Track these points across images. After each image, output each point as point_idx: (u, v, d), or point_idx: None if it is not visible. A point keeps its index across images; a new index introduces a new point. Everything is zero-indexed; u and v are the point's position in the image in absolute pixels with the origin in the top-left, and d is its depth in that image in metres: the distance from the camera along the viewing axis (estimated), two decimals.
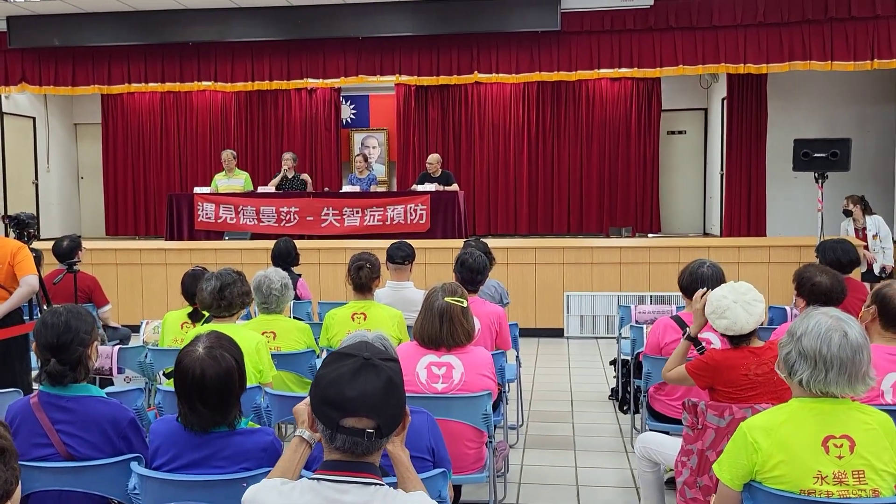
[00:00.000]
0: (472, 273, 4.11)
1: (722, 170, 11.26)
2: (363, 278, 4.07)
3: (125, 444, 2.41)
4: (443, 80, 9.17)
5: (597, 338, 7.92)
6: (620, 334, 5.74)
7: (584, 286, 7.97)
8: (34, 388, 3.79)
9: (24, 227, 4.65)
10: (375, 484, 1.63)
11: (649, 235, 11.27)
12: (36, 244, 5.07)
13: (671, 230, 12.20)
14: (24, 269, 4.16)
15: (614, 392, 5.74)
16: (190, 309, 4.34)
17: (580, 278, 7.99)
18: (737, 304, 2.95)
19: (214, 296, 3.44)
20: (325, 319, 4.22)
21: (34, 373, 3.93)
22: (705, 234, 11.98)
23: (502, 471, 3.84)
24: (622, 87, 12.04)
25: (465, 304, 3.17)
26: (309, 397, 1.69)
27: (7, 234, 5.27)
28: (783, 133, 10.11)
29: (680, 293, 3.95)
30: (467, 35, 8.86)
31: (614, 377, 5.86)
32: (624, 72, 8.91)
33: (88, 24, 8.99)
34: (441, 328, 3.10)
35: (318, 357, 4.12)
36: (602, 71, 8.87)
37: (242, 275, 3.65)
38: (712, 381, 2.96)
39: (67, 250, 5.66)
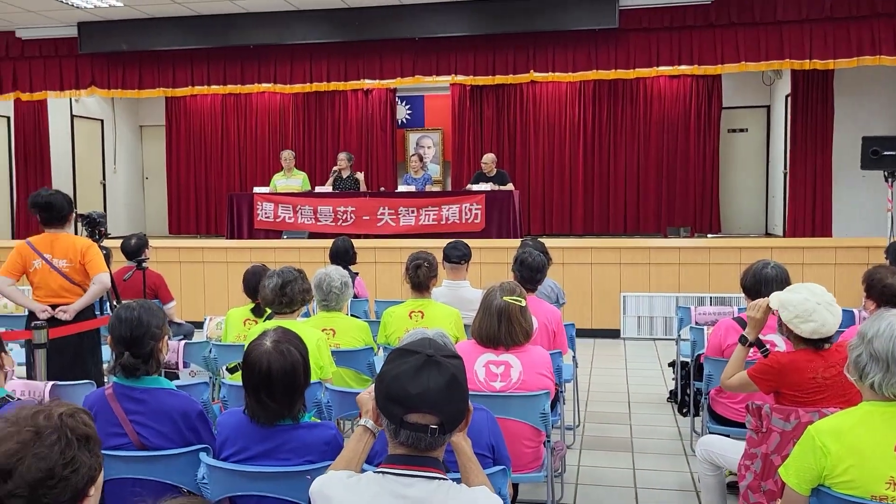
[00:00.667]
0: (531, 272, 4.10)
1: (785, 168, 10.96)
2: (421, 277, 4.11)
3: (194, 436, 2.49)
4: (499, 79, 9.16)
5: (654, 339, 7.80)
6: (679, 336, 5.64)
7: (641, 287, 7.87)
8: (105, 380, 3.94)
9: (96, 226, 4.82)
10: (439, 478, 1.65)
11: (709, 236, 11.06)
12: (105, 242, 5.25)
13: (732, 230, 11.94)
14: (96, 268, 4.32)
15: (673, 394, 5.66)
16: (252, 305, 4.44)
17: (637, 279, 7.89)
18: (820, 306, 2.87)
19: (276, 293, 3.51)
20: (383, 317, 4.27)
21: (105, 365, 4.09)
22: (767, 235, 11.69)
23: (559, 471, 3.83)
24: (682, 84, 11.85)
25: (523, 304, 3.17)
26: (374, 391, 1.72)
27: (78, 232, 5.48)
28: (850, 130, 9.78)
29: (742, 294, 3.88)
30: (524, 34, 8.82)
31: (673, 379, 5.77)
32: (684, 69, 8.74)
33: (155, 28, 9.26)
34: (499, 327, 3.10)
35: (375, 354, 4.17)
36: (661, 69, 8.73)
37: (303, 272, 3.71)
38: (777, 385, 2.90)
39: (135, 248, 5.84)
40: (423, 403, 1.63)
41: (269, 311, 4.24)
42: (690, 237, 10.34)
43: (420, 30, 8.92)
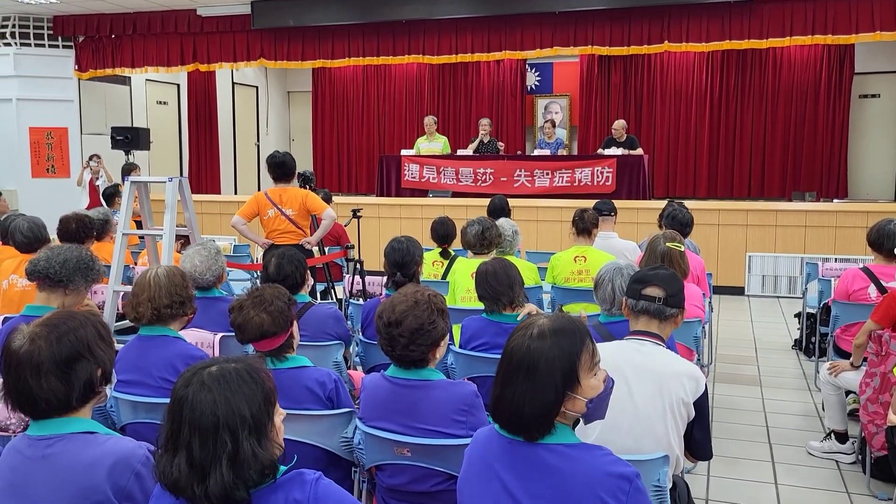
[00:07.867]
0: (681, 225, 4.83)
1: None
2: (587, 220, 4.84)
3: None
4: (633, 49, 9.66)
5: (778, 297, 8.31)
6: (806, 289, 6.22)
7: (766, 248, 8.36)
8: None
9: (307, 181, 5.87)
10: (660, 345, 2.47)
11: (835, 201, 11.25)
12: None
13: (858, 196, 12.04)
14: (321, 207, 5.36)
15: (797, 342, 6.25)
16: (440, 249, 5.36)
17: (763, 240, 8.38)
18: None
19: (478, 237, 4.40)
20: (551, 261, 5.07)
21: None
22: None
23: None
24: (812, 50, 11.96)
25: (682, 249, 3.92)
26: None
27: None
28: None
29: (869, 251, 4.47)
30: (659, 7, 9.28)
31: (798, 329, 6.35)
32: (817, 38, 8.97)
33: (317, 6, 10.32)
34: None
35: (543, 292, 5.00)
36: (795, 38, 9.00)
37: (494, 221, 4.58)
38: None
39: (324, 200, 6.91)
40: (654, 279, 2.49)
41: (453, 253, 5.17)
42: (816, 202, 10.61)
43: (559, 4, 9.53)
